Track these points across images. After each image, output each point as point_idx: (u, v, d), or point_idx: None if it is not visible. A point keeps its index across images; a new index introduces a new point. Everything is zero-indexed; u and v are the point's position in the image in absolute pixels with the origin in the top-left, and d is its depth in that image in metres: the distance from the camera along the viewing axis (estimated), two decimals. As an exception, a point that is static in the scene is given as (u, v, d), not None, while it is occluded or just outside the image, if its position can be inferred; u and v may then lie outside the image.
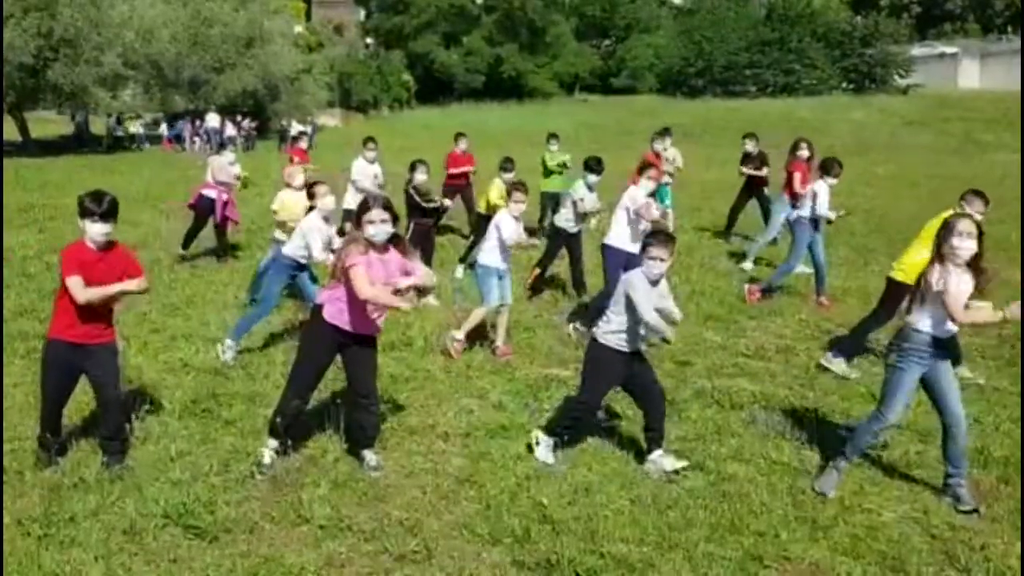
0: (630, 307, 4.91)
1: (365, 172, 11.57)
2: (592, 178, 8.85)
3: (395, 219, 4.85)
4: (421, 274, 4.98)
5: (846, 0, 66.53)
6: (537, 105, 57.41)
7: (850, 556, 4.19)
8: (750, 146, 12.97)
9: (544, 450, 5.18)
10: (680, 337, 7.77)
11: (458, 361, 7.15)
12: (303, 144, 14.38)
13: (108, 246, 4.83)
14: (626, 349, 5.04)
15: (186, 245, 11.38)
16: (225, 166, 11.27)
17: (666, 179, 13.34)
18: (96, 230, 4.71)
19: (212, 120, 38.74)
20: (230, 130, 39.66)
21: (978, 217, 6.46)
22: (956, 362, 6.50)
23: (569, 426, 5.22)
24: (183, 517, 4.46)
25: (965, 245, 4.52)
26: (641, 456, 5.22)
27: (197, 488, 4.78)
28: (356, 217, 4.86)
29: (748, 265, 10.78)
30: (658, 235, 5.08)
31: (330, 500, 4.68)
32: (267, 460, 5.06)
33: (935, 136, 38.78)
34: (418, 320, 8.30)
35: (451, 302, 8.95)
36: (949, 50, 60.24)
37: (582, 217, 9.12)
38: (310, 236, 7.07)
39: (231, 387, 6.46)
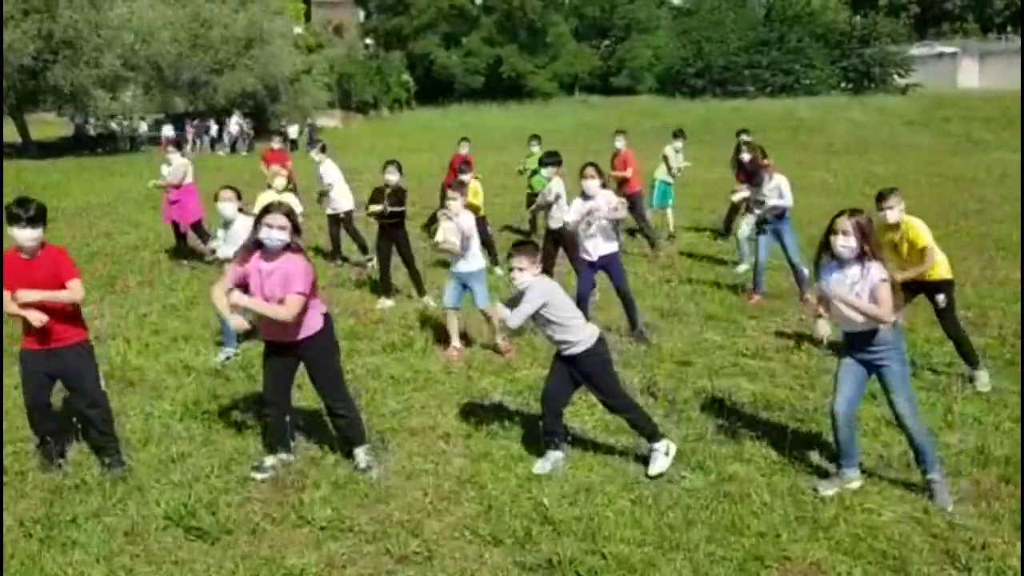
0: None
1: (316, 175, 11.54)
2: (544, 172, 9.20)
3: (295, 229, 4.73)
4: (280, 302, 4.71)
5: (845, 0, 66.54)
6: (537, 105, 57.45)
7: (851, 556, 4.19)
8: (746, 138, 12.96)
9: (541, 462, 5.16)
10: (680, 337, 7.81)
11: (458, 362, 7.16)
12: (276, 144, 14.46)
13: (38, 252, 4.74)
14: (557, 348, 5.14)
15: (176, 255, 11.43)
16: (166, 168, 11.41)
17: (668, 178, 13.38)
18: (23, 236, 4.62)
19: (233, 124, 39.00)
20: (233, 130, 39.80)
21: (892, 214, 6.26)
22: (973, 365, 6.49)
23: (544, 427, 5.23)
24: (184, 519, 4.47)
25: (838, 243, 4.60)
26: (642, 457, 5.22)
27: (198, 489, 4.80)
28: (257, 219, 4.82)
29: (742, 268, 10.79)
30: (519, 245, 5.16)
31: (331, 501, 4.69)
32: (268, 463, 5.07)
33: (934, 136, 38.80)
34: (418, 321, 8.32)
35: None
36: (948, 49, 60.29)
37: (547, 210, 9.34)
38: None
39: (232, 388, 6.47)
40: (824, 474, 5.01)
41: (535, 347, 7.54)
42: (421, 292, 9.27)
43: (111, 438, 5.10)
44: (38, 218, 4.65)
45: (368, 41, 67.08)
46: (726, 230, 13.17)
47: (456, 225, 7.30)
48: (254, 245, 4.77)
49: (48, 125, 41.04)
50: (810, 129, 39.87)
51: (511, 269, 5.00)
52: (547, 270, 9.54)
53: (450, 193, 7.46)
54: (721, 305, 8.98)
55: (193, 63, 39.06)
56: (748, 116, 43.77)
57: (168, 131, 39.82)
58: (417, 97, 62.05)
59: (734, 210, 13.01)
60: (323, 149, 11.67)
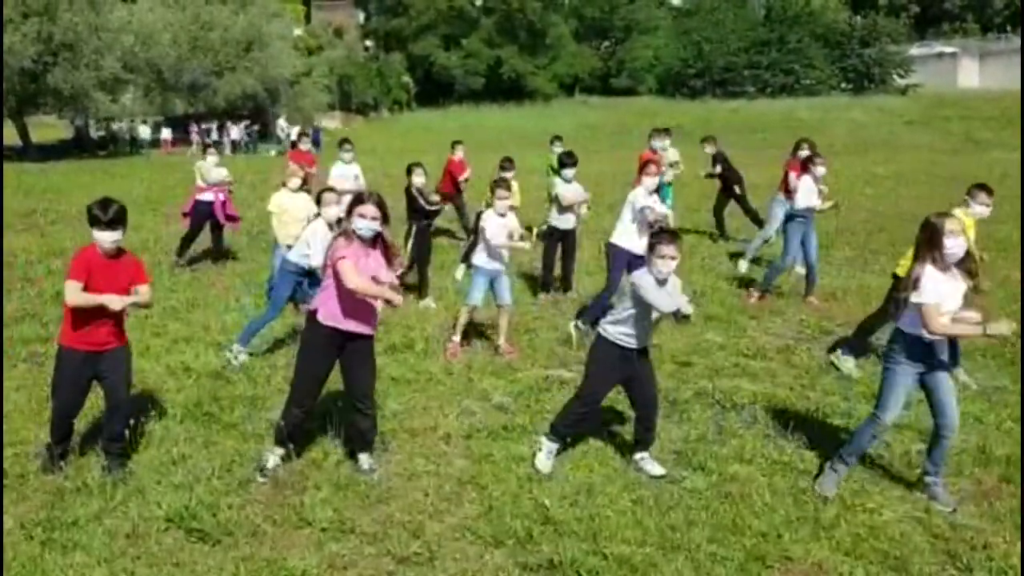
0: (638, 304, 4.89)
1: (344, 175, 11.50)
2: (568, 172, 9.22)
3: (385, 218, 4.85)
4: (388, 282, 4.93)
5: (844, 0, 66.57)
6: (537, 107, 57.51)
7: (852, 556, 4.19)
8: (709, 148, 12.99)
9: (544, 457, 5.14)
10: (681, 338, 7.81)
11: (459, 363, 7.15)
12: (304, 146, 14.27)
13: (117, 253, 4.88)
14: (630, 345, 5.01)
15: (181, 252, 11.37)
16: (213, 168, 11.30)
17: (668, 177, 13.34)
18: (103, 238, 4.75)
19: (280, 128, 39.38)
20: (235, 133, 39.84)
21: (986, 210, 6.49)
22: (954, 364, 6.54)
23: (571, 424, 5.18)
24: (185, 520, 4.47)
25: (956, 243, 4.49)
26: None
27: (199, 491, 4.79)
28: (348, 209, 4.88)
29: (744, 265, 10.75)
30: (665, 233, 5.00)
31: (332, 503, 4.69)
32: (270, 464, 5.07)
33: (935, 135, 38.83)
34: (419, 322, 8.31)
35: (453, 303, 8.96)
36: (948, 49, 60.33)
37: (565, 209, 9.30)
38: (313, 241, 7.04)
39: (232, 391, 6.46)
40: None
41: (535, 348, 7.54)
42: (424, 294, 9.28)
43: (120, 443, 5.11)
44: (117, 221, 4.77)
45: (368, 43, 67.13)
46: (720, 231, 13.18)
47: (505, 223, 7.36)
48: (345, 235, 4.84)
49: (48, 128, 41.07)
50: (810, 129, 39.76)
51: (662, 257, 4.83)
52: (549, 268, 9.57)
53: (499, 192, 7.41)
54: (722, 306, 8.98)
55: (193, 65, 39.15)
56: (748, 116, 43.84)
57: (166, 134, 40.00)
58: (417, 98, 62.10)
59: (720, 208, 13.08)
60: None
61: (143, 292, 4.94)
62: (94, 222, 4.73)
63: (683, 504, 4.68)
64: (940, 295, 4.45)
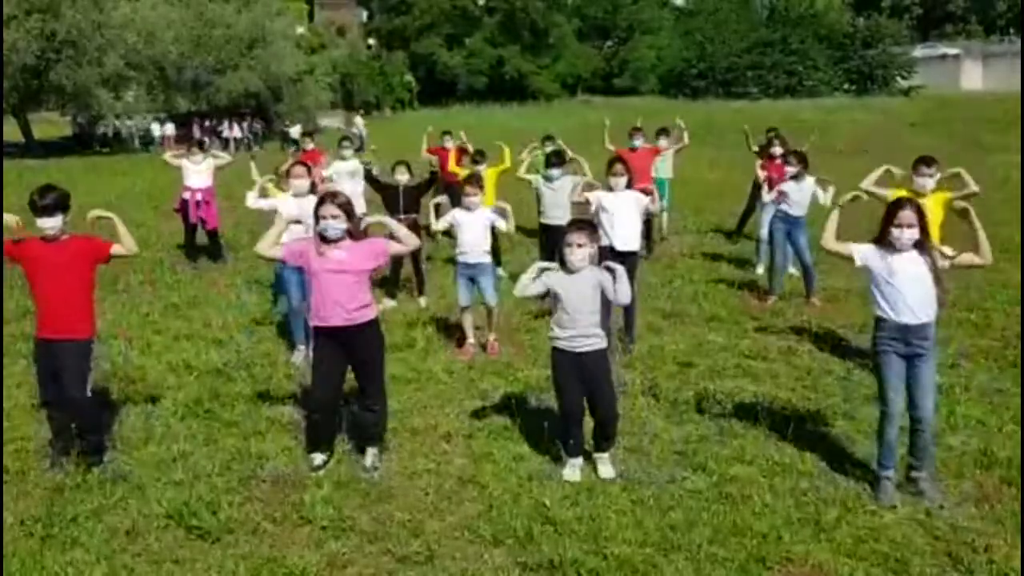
0: (556, 304, 4.97)
1: (339, 170, 11.47)
2: (554, 172, 9.25)
3: (349, 215, 4.90)
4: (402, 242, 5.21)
5: (847, 1, 66.55)
6: (540, 106, 57.43)
7: (853, 557, 4.18)
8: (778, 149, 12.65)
9: (567, 471, 5.06)
10: (683, 338, 7.80)
11: (460, 362, 7.15)
12: (309, 145, 14.14)
13: (58, 239, 4.92)
14: (564, 348, 4.99)
15: (189, 254, 11.40)
16: (195, 166, 11.34)
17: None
18: (40, 224, 4.86)
19: (357, 127, 39.50)
20: (236, 132, 39.81)
21: (929, 181, 6.51)
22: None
23: (563, 437, 5.14)
24: (185, 518, 4.47)
25: (905, 236, 4.58)
26: (643, 458, 5.22)
27: (199, 489, 4.80)
28: (314, 212, 4.96)
29: (760, 270, 10.71)
30: (577, 222, 5.11)
31: (332, 501, 4.69)
32: (317, 462, 5.12)
33: (937, 137, 38.68)
34: (419, 321, 8.31)
35: (454, 303, 8.95)
36: (951, 51, 60.32)
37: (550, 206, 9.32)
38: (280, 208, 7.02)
39: (233, 388, 6.47)
40: (831, 478, 4.99)
41: (536, 348, 7.52)
42: (421, 292, 9.27)
43: (91, 442, 5.09)
44: (54, 207, 4.84)
45: (371, 41, 67.10)
46: (738, 231, 13.06)
47: (477, 219, 7.41)
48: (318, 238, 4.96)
49: (51, 125, 41.08)
50: (813, 131, 39.91)
51: (568, 245, 4.89)
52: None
53: (468, 189, 7.45)
54: (724, 307, 8.96)
55: (196, 63, 39.15)
56: (751, 117, 43.63)
57: (168, 129, 39.99)
58: (419, 98, 62.06)
59: (749, 211, 12.91)
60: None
61: (122, 243, 5.10)
62: (32, 208, 4.82)
63: (684, 505, 4.67)
64: (865, 258, 4.80)
